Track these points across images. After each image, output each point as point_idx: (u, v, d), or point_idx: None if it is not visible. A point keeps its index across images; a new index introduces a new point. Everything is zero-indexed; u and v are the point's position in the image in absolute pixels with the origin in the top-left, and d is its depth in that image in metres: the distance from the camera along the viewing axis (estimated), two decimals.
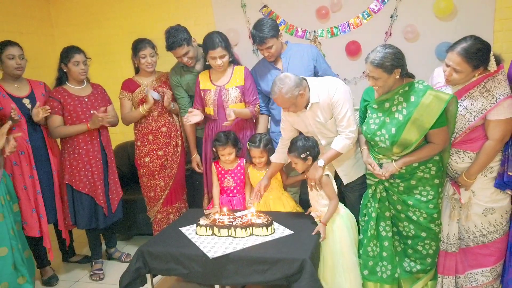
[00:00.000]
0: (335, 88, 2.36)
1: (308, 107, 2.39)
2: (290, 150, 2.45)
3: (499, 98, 2.04)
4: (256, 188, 2.69)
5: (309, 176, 2.39)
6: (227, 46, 2.75)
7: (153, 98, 2.93)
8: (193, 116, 2.79)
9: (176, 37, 2.78)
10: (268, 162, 2.73)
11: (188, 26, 2.95)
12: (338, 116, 2.37)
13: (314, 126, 2.46)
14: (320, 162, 2.36)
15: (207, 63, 2.82)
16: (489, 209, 2.19)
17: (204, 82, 2.86)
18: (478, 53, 2.01)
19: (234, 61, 2.89)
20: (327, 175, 2.37)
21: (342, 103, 2.34)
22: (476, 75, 2.08)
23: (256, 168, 2.78)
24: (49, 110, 2.77)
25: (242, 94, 2.82)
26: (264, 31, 2.61)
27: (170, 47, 2.82)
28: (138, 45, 2.94)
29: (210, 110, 2.85)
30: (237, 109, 2.78)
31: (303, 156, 2.39)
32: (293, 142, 2.45)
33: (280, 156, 2.62)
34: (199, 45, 2.94)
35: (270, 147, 2.71)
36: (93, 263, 3.11)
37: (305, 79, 2.40)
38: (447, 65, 2.10)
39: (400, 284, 2.35)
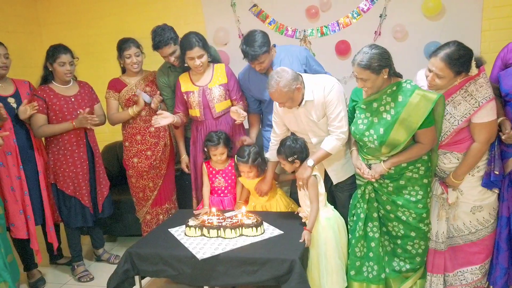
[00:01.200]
0: (331, 86, 2.35)
1: (301, 104, 2.38)
2: (278, 152, 2.45)
3: (482, 102, 2.05)
4: (258, 192, 2.68)
5: (298, 175, 2.39)
6: (205, 46, 2.70)
7: (144, 101, 2.91)
8: (163, 119, 2.69)
9: (162, 36, 2.75)
10: (259, 175, 2.67)
11: (178, 25, 2.93)
12: (331, 116, 2.36)
13: (306, 124, 2.45)
14: (310, 162, 2.35)
15: (186, 65, 2.78)
16: (477, 207, 2.21)
17: (185, 84, 2.82)
18: (460, 59, 2.01)
19: (213, 60, 2.86)
20: (315, 175, 2.36)
21: (336, 103, 2.33)
22: (458, 80, 2.09)
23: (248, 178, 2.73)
24: (37, 107, 2.73)
25: (226, 92, 2.79)
26: (256, 49, 2.52)
27: (157, 46, 2.79)
28: (123, 45, 2.91)
29: (196, 112, 2.81)
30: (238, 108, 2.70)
31: (290, 159, 2.39)
32: (282, 144, 2.44)
33: (275, 153, 2.58)
34: None
35: (259, 161, 2.63)
36: (75, 266, 3.07)
37: (301, 75, 2.38)
38: (430, 70, 2.10)
39: (389, 284, 2.35)
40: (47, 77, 2.89)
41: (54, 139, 2.86)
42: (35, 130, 2.81)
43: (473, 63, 2.04)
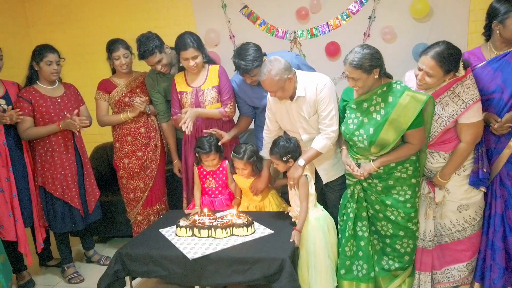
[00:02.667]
0: (323, 84, 2.36)
1: (294, 100, 2.40)
2: (272, 152, 2.45)
3: (469, 103, 2.09)
4: (253, 190, 2.68)
5: (289, 175, 2.40)
6: (200, 47, 2.68)
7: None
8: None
9: (147, 45, 2.72)
10: (254, 174, 2.68)
11: (169, 26, 2.94)
12: (322, 114, 2.37)
13: (297, 120, 2.46)
14: (301, 161, 2.37)
15: (180, 64, 2.77)
16: (464, 205, 2.24)
17: (180, 84, 2.82)
18: (450, 58, 2.06)
19: (209, 61, 2.85)
20: (306, 175, 2.37)
21: (328, 101, 2.35)
22: (447, 80, 2.13)
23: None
24: (21, 114, 2.68)
25: (218, 94, 2.79)
26: (248, 63, 2.51)
27: (142, 56, 2.76)
28: (111, 47, 2.90)
29: None
30: (200, 109, 2.72)
31: (284, 159, 2.40)
32: (275, 143, 2.45)
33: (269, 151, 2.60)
34: (172, 48, 2.87)
35: (254, 159, 2.64)
36: (65, 268, 3.04)
37: (294, 69, 2.39)
38: (420, 69, 2.13)
39: (378, 282, 2.37)
40: (32, 77, 2.85)
41: (41, 141, 2.82)
42: (21, 133, 2.77)
43: (461, 64, 2.08)
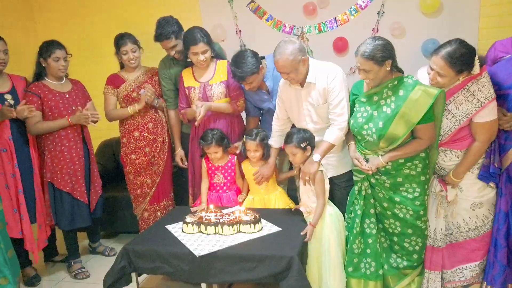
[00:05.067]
0: (335, 74, 2.35)
1: (304, 86, 2.39)
2: (287, 141, 2.40)
3: (484, 102, 2.05)
4: (257, 177, 2.66)
5: (304, 170, 2.35)
6: (209, 41, 2.69)
7: (146, 102, 2.91)
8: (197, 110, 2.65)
9: (165, 29, 2.75)
10: (263, 159, 2.70)
11: None
12: (333, 103, 2.35)
13: (305, 107, 2.45)
14: (316, 156, 2.33)
15: (188, 59, 2.77)
16: (477, 203, 2.21)
17: (187, 79, 2.82)
18: (461, 58, 2.01)
19: (216, 56, 2.85)
20: (322, 171, 2.34)
21: (339, 91, 2.33)
22: (460, 78, 2.09)
23: (251, 164, 2.74)
24: (34, 111, 2.66)
25: (226, 89, 2.78)
26: (243, 70, 2.51)
27: (157, 38, 2.80)
28: (119, 41, 2.90)
29: None
30: (213, 103, 2.74)
31: (302, 145, 2.35)
32: (289, 134, 2.42)
33: (278, 139, 2.60)
34: None
35: (266, 142, 2.67)
36: (72, 263, 3.04)
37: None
38: (432, 69, 2.10)
39: (387, 280, 2.35)
40: (41, 73, 2.85)
41: (50, 136, 2.82)
42: (30, 127, 2.76)
43: (477, 61, 2.04)
